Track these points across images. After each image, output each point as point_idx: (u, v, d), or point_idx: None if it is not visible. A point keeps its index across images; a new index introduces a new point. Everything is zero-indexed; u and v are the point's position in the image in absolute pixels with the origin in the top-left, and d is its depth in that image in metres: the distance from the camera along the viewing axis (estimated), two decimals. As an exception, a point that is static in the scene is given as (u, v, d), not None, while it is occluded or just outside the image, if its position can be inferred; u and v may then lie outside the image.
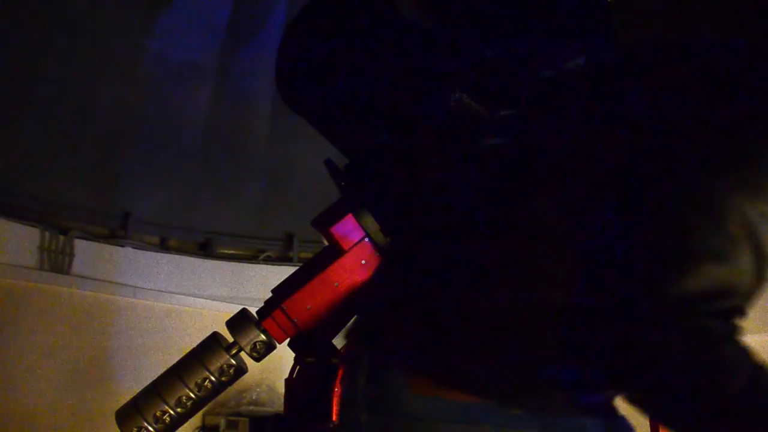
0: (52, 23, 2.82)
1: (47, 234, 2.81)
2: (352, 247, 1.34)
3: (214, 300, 3.17)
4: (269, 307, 1.39)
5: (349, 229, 1.32)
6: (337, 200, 1.38)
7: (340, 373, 1.45)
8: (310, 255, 1.87)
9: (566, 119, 0.87)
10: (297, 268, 1.51)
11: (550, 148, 0.85)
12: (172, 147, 3.28)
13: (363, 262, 1.35)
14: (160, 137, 3.26)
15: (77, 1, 2.89)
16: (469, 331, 0.83)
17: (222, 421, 2.97)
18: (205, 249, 3.45)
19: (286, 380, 1.54)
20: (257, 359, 1.36)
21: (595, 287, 0.79)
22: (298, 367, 1.53)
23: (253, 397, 3.07)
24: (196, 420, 3.05)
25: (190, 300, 3.17)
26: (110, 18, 3.00)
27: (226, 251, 3.51)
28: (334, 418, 1.44)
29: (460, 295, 0.85)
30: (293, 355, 1.54)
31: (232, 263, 3.44)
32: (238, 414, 2.99)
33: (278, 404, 2.89)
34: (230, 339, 1.34)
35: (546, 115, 0.89)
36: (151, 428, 1.24)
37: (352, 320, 1.09)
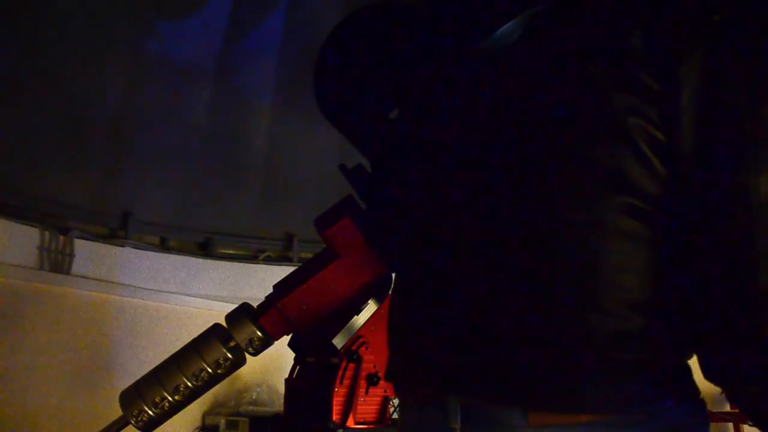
0: (52, 23, 2.82)
1: (47, 234, 2.81)
2: (347, 251, 1.34)
3: (214, 300, 3.17)
4: (266, 304, 1.40)
5: (345, 233, 1.32)
6: (338, 202, 1.38)
7: (340, 373, 1.46)
8: (310, 255, 1.87)
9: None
10: (297, 268, 1.51)
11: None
12: (172, 147, 3.28)
13: (360, 266, 1.35)
14: (160, 137, 3.26)
15: (77, 2, 2.89)
16: (573, 346, 0.77)
17: (222, 421, 2.97)
18: (205, 249, 3.45)
19: (286, 380, 1.54)
20: (253, 354, 1.38)
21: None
22: (298, 367, 1.54)
23: (253, 397, 3.07)
24: (196, 420, 3.06)
25: (190, 300, 3.17)
26: (110, 18, 3.00)
27: (226, 251, 3.52)
28: (334, 417, 1.44)
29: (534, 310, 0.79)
30: (293, 355, 1.54)
31: (232, 263, 3.44)
32: (238, 414, 2.99)
33: (278, 404, 2.90)
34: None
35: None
36: (150, 412, 1.29)
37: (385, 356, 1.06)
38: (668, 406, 0.79)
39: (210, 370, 1.31)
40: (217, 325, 1.38)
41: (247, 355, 1.43)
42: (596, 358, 0.76)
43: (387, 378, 1.01)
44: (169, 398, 1.30)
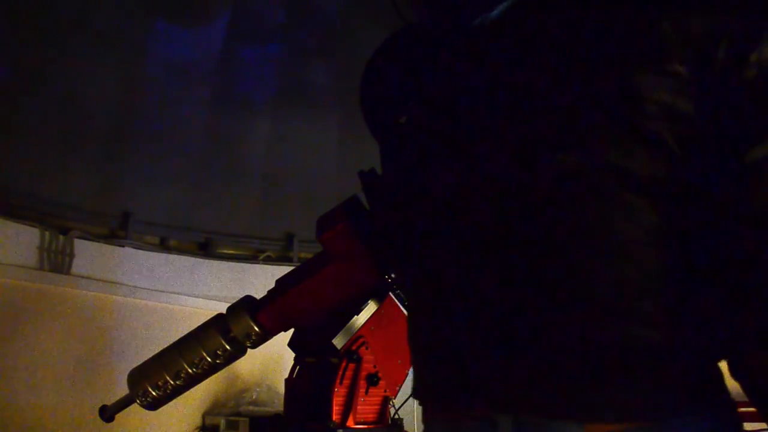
0: (52, 23, 2.82)
1: (47, 234, 2.81)
2: (342, 256, 1.34)
3: (214, 300, 3.17)
4: (266, 299, 1.41)
5: (341, 239, 1.32)
6: (342, 203, 1.38)
7: (340, 373, 1.46)
8: (310, 255, 1.87)
9: None
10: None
11: None
12: (172, 147, 3.28)
13: (354, 271, 1.36)
14: (160, 137, 3.26)
15: (77, 2, 2.89)
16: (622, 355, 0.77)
17: (222, 421, 2.97)
18: (205, 249, 3.45)
19: (286, 380, 1.54)
20: (251, 347, 1.40)
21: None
22: (298, 367, 1.54)
23: (253, 397, 3.07)
24: (196, 420, 3.06)
25: (190, 300, 3.17)
26: (110, 18, 3.00)
27: (226, 251, 3.52)
28: (334, 417, 1.44)
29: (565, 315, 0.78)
30: (293, 355, 1.54)
31: (232, 263, 3.44)
32: (238, 414, 2.99)
33: (278, 404, 2.89)
34: None
35: None
36: (153, 393, 1.36)
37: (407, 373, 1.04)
38: (708, 413, 0.79)
39: (209, 359, 1.36)
40: (219, 316, 1.41)
41: (248, 356, 1.44)
42: (645, 367, 0.76)
43: (418, 396, 0.95)
44: (171, 382, 1.36)
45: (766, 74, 0.74)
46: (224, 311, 1.41)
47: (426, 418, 0.95)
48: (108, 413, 1.48)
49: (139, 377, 1.39)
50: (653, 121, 0.76)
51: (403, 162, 1.04)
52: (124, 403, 1.43)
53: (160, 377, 1.36)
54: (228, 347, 1.36)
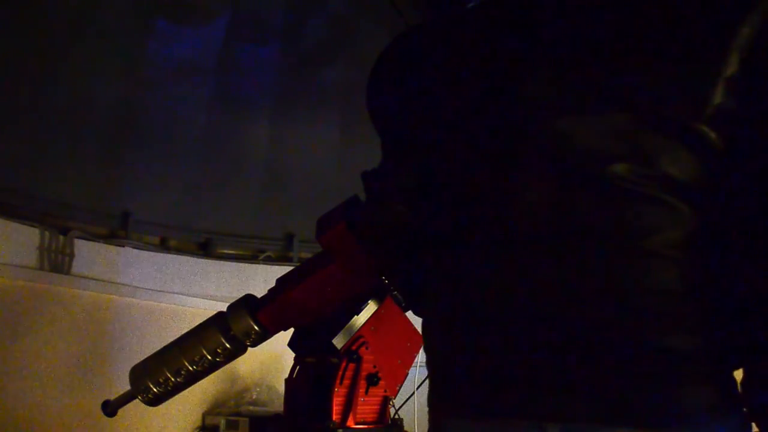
0: (51, 23, 2.82)
1: (47, 234, 2.80)
2: (341, 258, 1.34)
3: (214, 300, 3.17)
4: (266, 298, 1.41)
5: (339, 239, 1.32)
6: (343, 202, 1.38)
7: (340, 373, 1.46)
8: (310, 255, 1.87)
9: None
10: (297, 267, 1.51)
11: None
12: (173, 147, 3.28)
13: (353, 273, 1.36)
14: (160, 137, 3.26)
15: (77, 2, 2.89)
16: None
17: (222, 421, 2.97)
18: (205, 249, 3.44)
19: (286, 380, 1.55)
20: (251, 345, 1.41)
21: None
22: (298, 367, 1.54)
23: (253, 397, 3.07)
24: (196, 420, 3.06)
25: (190, 300, 3.17)
26: (110, 17, 3.00)
27: (226, 251, 3.51)
28: (334, 417, 1.45)
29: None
30: (293, 355, 1.54)
31: (232, 263, 3.44)
32: (238, 414, 2.99)
33: (278, 404, 2.89)
34: None
35: None
36: (155, 389, 1.37)
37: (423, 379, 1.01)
38: (735, 415, 0.80)
39: (209, 357, 1.37)
40: (219, 314, 1.41)
41: (248, 356, 1.44)
42: (689, 372, 0.77)
43: (441, 402, 0.91)
44: (172, 379, 1.36)
45: None
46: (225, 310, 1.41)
47: (448, 425, 0.90)
48: (110, 408, 1.49)
49: (141, 374, 1.39)
50: (708, 124, 0.76)
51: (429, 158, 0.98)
52: (126, 399, 1.44)
53: (161, 374, 1.37)
54: (228, 345, 1.37)
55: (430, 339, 0.96)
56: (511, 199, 0.84)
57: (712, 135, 0.77)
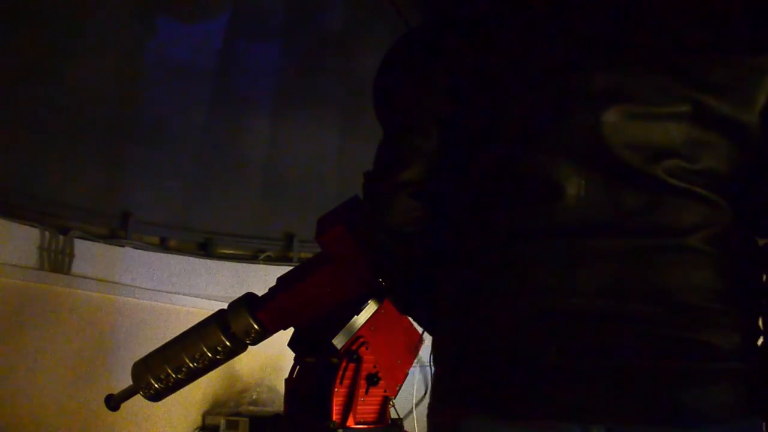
0: (51, 22, 2.82)
1: (47, 234, 2.80)
2: (340, 259, 1.34)
3: (214, 300, 3.17)
4: (266, 297, 1.42)
5: (338, 241, 1.32)
6: (343, 202, 1.38)
7: (340, 373, 1.46)
8: (310, 255, 1.87)
9: None
10: (298, 267, 1.51)
11: None
12: (172, 147, 3.28)
13: (352, 273, 1.36)
14: (160, 137, 3.26)
15: (77, 1, 2.89)
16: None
17: (222, 421, 2.97)
18: (205, 249, 3.44)
19: (286, 380, 1.55)
20: (251, 344, 1.41)
21: None
22: (298, 367, 1.54)
23: (253, 397, 3.06)
24: (196, 420, 3.06)
25: (190, 300, 3.17)
26: (110, 17, 3.00)
27: (226, 251, 3.51)
28: (334, 417, 1.45)
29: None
30: (293, 355, 1.54)
31: (232, 263, 3.44)
32: (238, 414, 2.99)
33: (278, 404, 2.89)
34: None
35: None
36: (156, 385, 1.38)
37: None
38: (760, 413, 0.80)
39: (209, 355, 1.38)
40: (220, 312, 1.42)
41: (248, 356, 1.44)
42: (730, 371, 0.77)
43: (464, 401, 0.86)
44: (173, 375, 1.38)
45: None
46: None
47: (472, 425, 0.86)
48: (114, 402, 1.50)
49: (143, 370, 1.41)
50: (756, 117, 0.77)
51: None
52: (128, 393, 1.46)
53: (163, 370, 1.39)
54: (228, 343, 1.38)
55: (444, 336, 0.93)
56: (552, 190, 0.81)
57: (757, 128, 0.77)
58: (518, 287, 0.82)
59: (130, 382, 1.45)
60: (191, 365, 1.38)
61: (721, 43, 0.78)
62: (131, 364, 1.46)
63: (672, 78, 0.79)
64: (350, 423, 1.46)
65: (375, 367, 1.51)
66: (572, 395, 0.77)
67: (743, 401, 0.78)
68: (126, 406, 1.51)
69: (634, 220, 0.78)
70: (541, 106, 0.85)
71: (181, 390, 1.47)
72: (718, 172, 0.79)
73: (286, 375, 1.55)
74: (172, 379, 1.39)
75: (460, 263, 0.91)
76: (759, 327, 0.81)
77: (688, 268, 0.77)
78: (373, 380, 1.49)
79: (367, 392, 1.49)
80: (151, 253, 3.20)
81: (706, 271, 0.78)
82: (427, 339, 1.08)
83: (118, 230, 3.16)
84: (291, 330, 1.50)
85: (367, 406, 1.50)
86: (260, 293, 1.46)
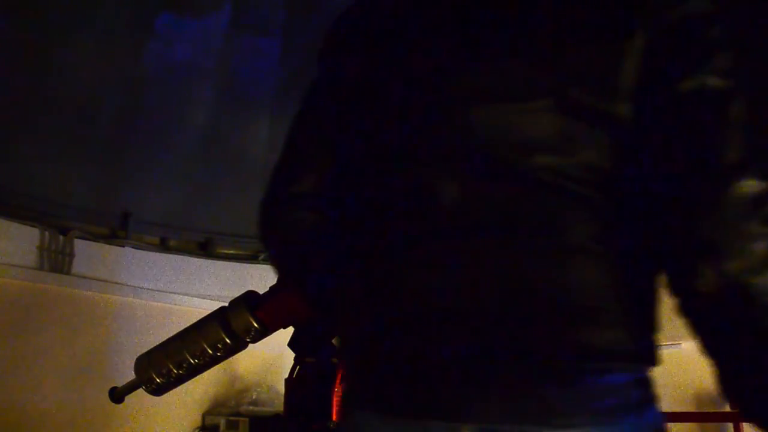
0: (52, 23, 2.82)
1: (47, 234, 2.81)
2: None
3: (214, 300, 3.17)
4: (267, 295, 1.42)
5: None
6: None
7: (340, 373, 1.46)
8: (310, 255, 1.87)
9: None
10: (297, 268, 1.51)
11: None
12: (172, 147, 3.28)
13: None
14: (160, 137, 3.26)
15: (77, 1, 2.89)
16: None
17: (222, 421, 2.97)
18: (205, 249, 3.45)
19: (286, 380, 1.55)
20: (251, 342, 1.42)
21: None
22: (298, 367, 1.54)
23: (253, 397, 3.07)
24: (196, 420, 3.06)
25: (190, 300, 3.17)
26: (110, 18, 3.00)
27: (226, 251, 3.52)
28: (334, 417, 1.45)
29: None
30: (293, 355, 1.54)
31: (232, 263, 3.44)
32: (238, 414, 2.99)
33: (278, 404, 2.90)
34: None
35: None
36: (158, 380, 1.39)
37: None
38: (652, 414, 0.78)
39: (210, 352, 1.38)
40: (221, 309, 1.42)
41: (248, 356, 1.44)
42: (613, 368, 0.75)
43: (354, 397, 0.87)
44: (174, 370, 1.38)
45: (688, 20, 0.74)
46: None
47: (358, 421, 0.86)
48: (117, 395, 1.50)
49: (145, 364, 1.42)
50: (621, 104, 0.75)
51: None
52: (131, 387, 1.45)
53: (164, 366, 1.39)
54: (228, 341, 1.39)
55: (347, 332, 0.93)
56: (429, 195, 0.81)
57: (626, 118, 0.75)
58: (398, 290, 0.83)
59: (128, 381, 1.46)
60: (192, 361, 1.39)
61: (579, 30, 0.77)
62: (131, 364, 1.46)
63: (537, 70, 0.78)
64: (350, 423, 1.46)
65: (375, 367, 1.51)
66: (441, 395, 0.77)
67: (625, 401, 0.75)
68: (126, 405, 1.51)
69: (509, 218, 0.77)
70: (415, 113, 0.85)
71: (181, 390, 1.48)
72: (595, 166, 0.76)
73: (286, 375, 1.55)
74: (174, 375, 1.40)
75: (349, 269, 0.93)
76: (654, 322, 0.79)
77: (564, 267, 0.76)
78: (373, 380, 1.49)
79: (367, 392, 1.49)
80: (151, 253, 3.20)
81: (585, 270, 0.76)
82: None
83: (118, 230, 3.16)
84: (291, 330, 1.50)
85: (367, 406, 1.50)
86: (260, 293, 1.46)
